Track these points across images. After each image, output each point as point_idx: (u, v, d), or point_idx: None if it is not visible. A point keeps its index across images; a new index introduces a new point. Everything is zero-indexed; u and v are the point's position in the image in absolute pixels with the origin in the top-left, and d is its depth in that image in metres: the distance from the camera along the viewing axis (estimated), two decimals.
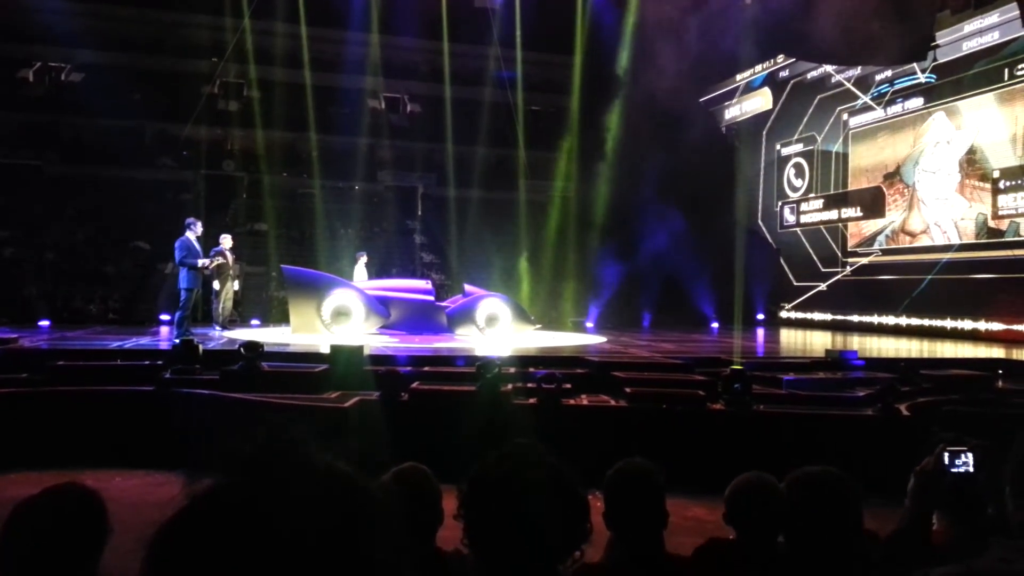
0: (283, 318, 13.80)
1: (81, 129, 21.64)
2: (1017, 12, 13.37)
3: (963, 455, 1.93)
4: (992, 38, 14.51)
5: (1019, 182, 13.89)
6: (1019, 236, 13.91)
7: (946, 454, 1.93)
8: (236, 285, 13.11)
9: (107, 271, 17.75)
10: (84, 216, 19.39)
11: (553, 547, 1.39)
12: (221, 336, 10.90)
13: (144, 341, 10.88)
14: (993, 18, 14.46)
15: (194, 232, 10.81)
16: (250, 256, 17.55)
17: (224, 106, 22.62)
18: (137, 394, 7.04)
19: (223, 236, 12.78)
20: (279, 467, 0.63)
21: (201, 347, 8.12)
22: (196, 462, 0.64)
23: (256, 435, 0.66)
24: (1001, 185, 14.22)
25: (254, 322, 15.19)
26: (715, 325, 18.09)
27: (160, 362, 7.91)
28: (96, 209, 19.49)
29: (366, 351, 8.30)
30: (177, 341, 9.60)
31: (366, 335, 11.70)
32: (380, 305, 12.29)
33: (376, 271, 16.27)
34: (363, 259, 15.13)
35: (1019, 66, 13.97)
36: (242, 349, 7.59)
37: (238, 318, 14.42)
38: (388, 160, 24.21)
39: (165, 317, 15.07)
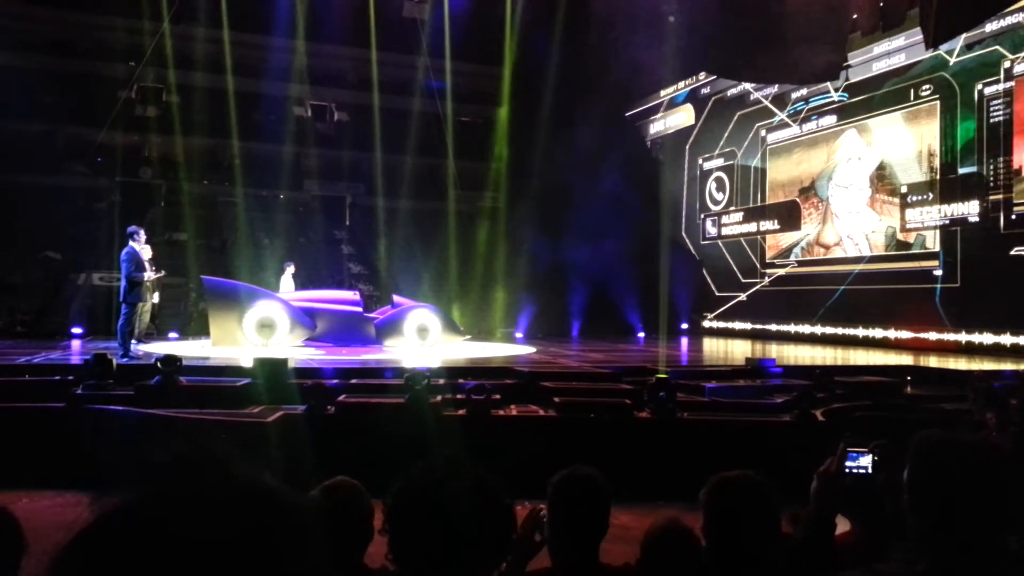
0: (203, 331, 13.40)
1: None
2: (922, 36, 14.11)
3: (862, 456, 1.99)
4: (899, 60, 15.28)
5: (925, 197, 14.64)
6: (926, 248, 14.64)
7: (847, 454, 1.99)
8: (155, 297, 12.66)
9: (14, 281, 16.88)
10: None
11: (478, 558, 1.39)
12: (137, 350, 10.50)
13: (54, 355, 10.40)
14: (900, 41, 15.24)
15: (138, 241, 10.29)
16: (168, 267, 16.93)
17: (142, 111, 21.80)
18: (47, 411, 6.71)
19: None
20: (193, 480, 0.60)
21: (115, 361, 7.81)
22: (109, 481, 0.61)
23: (171, 448, 0.63)
24: (909, 200, 14.95)
25: (172, 335, 14.70)
26: (641, 335, 18.42)
27: (71, 377, 7.57)
28: (2, 217, 18.53)
29: (291, 364, 8.14)
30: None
31: (291, 347, 11.46)
32: (306, 317, 12.07)
33: (303, 282, 15.97)
34: (290, 269, 14.84)
35: (924, 87, 14.74)
36: (159, 363, 7.34)
37: (155, 331, 13.92)
38: (315, 169, 23.80)
39: (77, 330, 14.44)
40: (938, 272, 14.25)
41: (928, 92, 14.65)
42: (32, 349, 11.06)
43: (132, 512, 0.58)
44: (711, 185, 20.69)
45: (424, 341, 12.39)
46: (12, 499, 5.39)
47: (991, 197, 13.41)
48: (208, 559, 0.55)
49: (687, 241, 21.44)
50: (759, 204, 18.95)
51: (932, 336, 14.05)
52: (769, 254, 18.59)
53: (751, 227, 19.09)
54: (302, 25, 20.40)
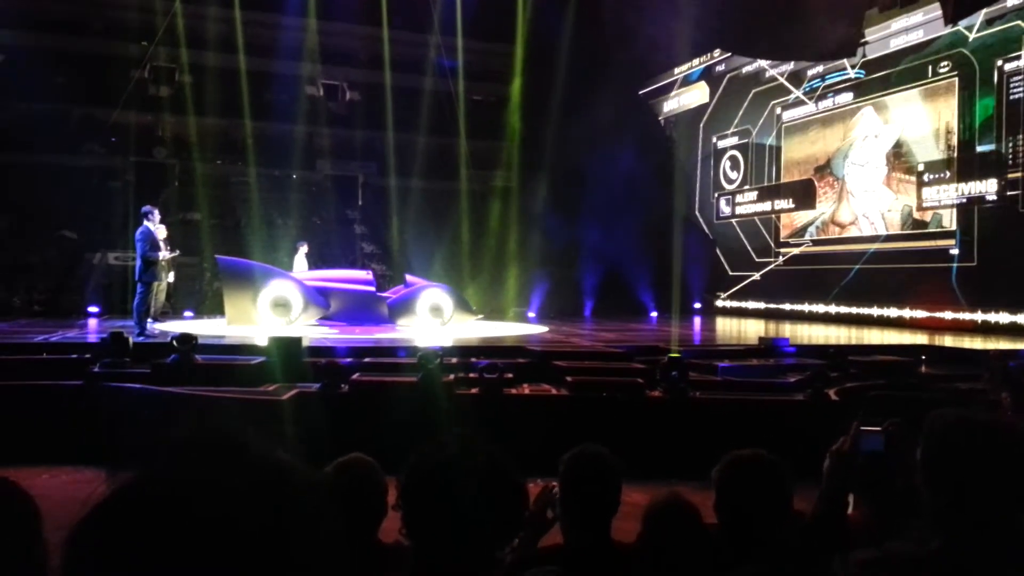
0: (217, 310, 13.49)
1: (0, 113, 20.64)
2: (940, 12, 13.88)
3: (875, 435, 1.98)
4: (917, 36, 15.04)
5: (942, 175, 14.47)
6: (942, 227, 14.49)
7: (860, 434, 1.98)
8: (170, 276, 12.77)
9: (31, 261, 17.05)
10: (5, 205, 18.55)
11: (490, 535, 1.41)
12: (153, 329, 10.59)
13: (71, 334, 10.51)
14: (918, 17, 14.99)
15: (153, 221, 10.42)
16: (183, 246, 17.05)
17: (155, 91, 21.83)
18: (65, 389, 6.81)
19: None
20: (206, 456, 0.61)
21: (132, 340, 7.89)
22: (125, 457, 0.62)
23: (187, 424, 0.64)
24: (926, 178, 14.78)
25: (187, 314, 14.82)
26: (654, 314, 18.39)
27: (88, 356, 7.66)
28: (18, 197, 18.67)
29: (305, 343, 8.19)
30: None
31: (305, 326, 11.53)
32: (319, 296, 12.12)
33: (315, 261, 16.02)
34: (303, 249, 14.89)
35: (942, 64, 14.52)
36: (175, 342, 7.41)
37: (170, 310, 14.04)
38: (327, 148, 23.78)
39: (93, 309, 14.58)
40: (954, 251, 14.11)
41: (946, 69, 14.43)
42: (49, 328, 11.19)
43: (146, 488, 0.59)
44: (725, 163, 20.52)
45: (437, 320, 12.42)
46: (32, 475, 5.49)
47: (1009, 175, 13.23)
48: (221, 533, 0.56)
49: (700, 220, 21.31)
50: (774, 183, 18.80)
51: (948, 315, 13.95)
52: (783, 233, 18.47)
53: (765, 206, 18.95)
54: (313, 4, 20.32)
